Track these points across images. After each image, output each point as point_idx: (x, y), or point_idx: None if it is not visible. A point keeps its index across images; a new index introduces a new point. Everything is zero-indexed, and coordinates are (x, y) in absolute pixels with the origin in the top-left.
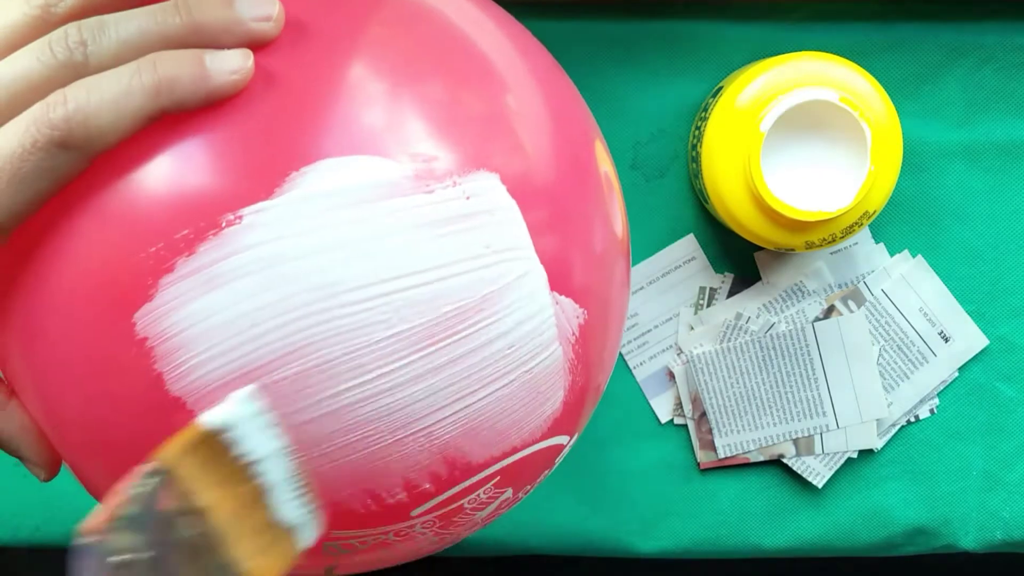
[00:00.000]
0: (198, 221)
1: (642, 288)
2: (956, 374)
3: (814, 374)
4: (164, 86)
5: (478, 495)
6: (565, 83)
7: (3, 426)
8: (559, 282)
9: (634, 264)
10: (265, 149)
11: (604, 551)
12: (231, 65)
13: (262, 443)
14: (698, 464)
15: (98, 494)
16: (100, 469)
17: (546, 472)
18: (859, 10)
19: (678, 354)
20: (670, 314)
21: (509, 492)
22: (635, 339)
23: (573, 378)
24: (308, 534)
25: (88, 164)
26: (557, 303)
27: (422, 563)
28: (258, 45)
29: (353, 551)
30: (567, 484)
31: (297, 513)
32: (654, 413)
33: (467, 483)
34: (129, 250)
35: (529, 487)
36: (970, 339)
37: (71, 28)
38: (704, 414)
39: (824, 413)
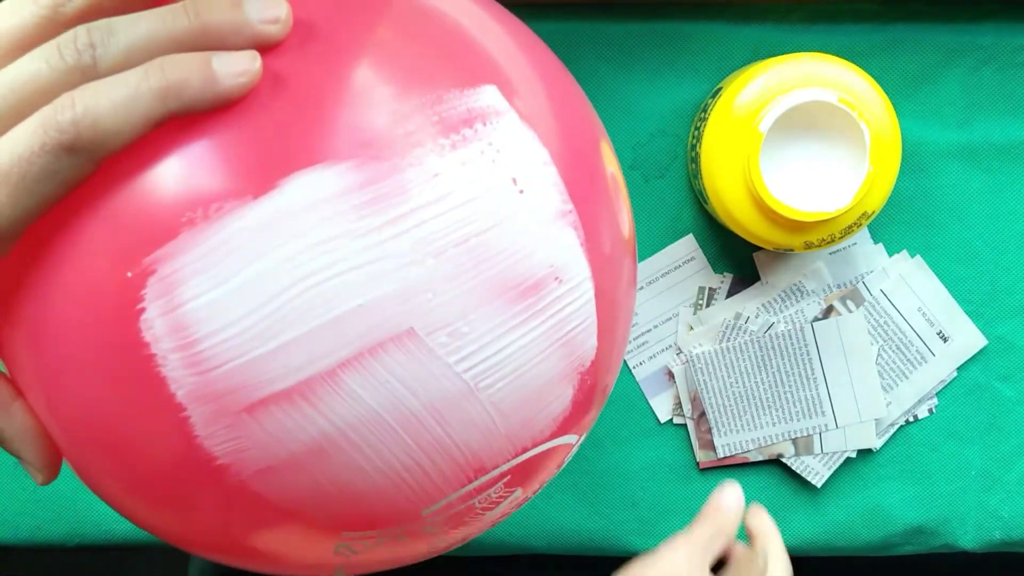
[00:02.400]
0: (190, 215)
1: (641, 288)
2: (955, 374)
3: (813, 374)
4: (172, 90)
5: (488, 495)
6: (571, 84)
7: (5, 425)
8: None
9: None
10: (264, 152)
11: (604, 550)
12: (238, 67)
13: None
14: (697, 464)
15: (101, 493)
16: (104, 469)
17: (556, 471)
18: (858, 11)
19: (677, 354)
20: (669, 314)
21: (519, 492)
22: (635, 339)
23: (582, 377)
24: None
25: (96, 167)
26: None
27: (422, 562)
28: (266, 47)
29: (364, 551)
30: (567, 484)
31: None
32: (653, 413)
33: (479, 482)
34: (129, 253)
35: (538, 486)
36: (969, 339)
37: (80, 31)
38: (703, 414)
39: (823, 413)
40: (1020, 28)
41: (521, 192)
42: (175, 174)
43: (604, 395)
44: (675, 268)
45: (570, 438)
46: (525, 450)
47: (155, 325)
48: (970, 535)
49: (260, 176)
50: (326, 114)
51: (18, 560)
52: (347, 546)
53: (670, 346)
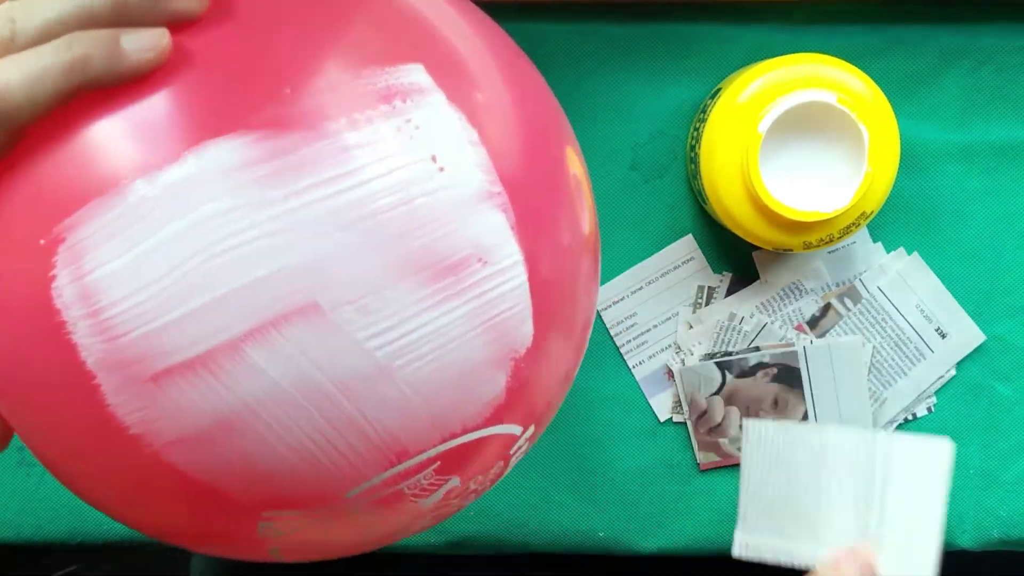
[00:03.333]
0: (95, 190)
1: (641, 288)
2: (953, 371)
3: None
4: (78, 65)
5: (417, 480)
6: (536, 85)
7: None
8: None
9: (632, 264)
10: (172, 123)
11: (604, 549)
12: (146, 44)
13: None
14: (698, 464)
15: (44, 463)
16: (39, 439)
17: (500, 464)
18: (857, 12)
19: (676, 352)
20: (669, 313)
21: (456, 480)
22: (634, 338)
23: (516, 364)
24: None
25: (12, 138)
26: None
27: (422, 560)
28: (183, 23)
29: (291, 532)
30: (567, 483)
31: None
32: (653, 412)
33: (403, 466)
34: (42, 222)
35: (482, 478)
36: (967, 335)
37: (3, 7)
38: (702, 415)
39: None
40: (1019, 29)
41: (441, 170)
42: (86, 145)
43: (551, 389)
44: (674, 268)
45: (510, 428)
46: (454, 436)
47: (65, 292)
48: (968, 534)
49: (167, 146)
50: (235, 86)
51: (20, 559)
52: (270, 526)
53: (670, 345)
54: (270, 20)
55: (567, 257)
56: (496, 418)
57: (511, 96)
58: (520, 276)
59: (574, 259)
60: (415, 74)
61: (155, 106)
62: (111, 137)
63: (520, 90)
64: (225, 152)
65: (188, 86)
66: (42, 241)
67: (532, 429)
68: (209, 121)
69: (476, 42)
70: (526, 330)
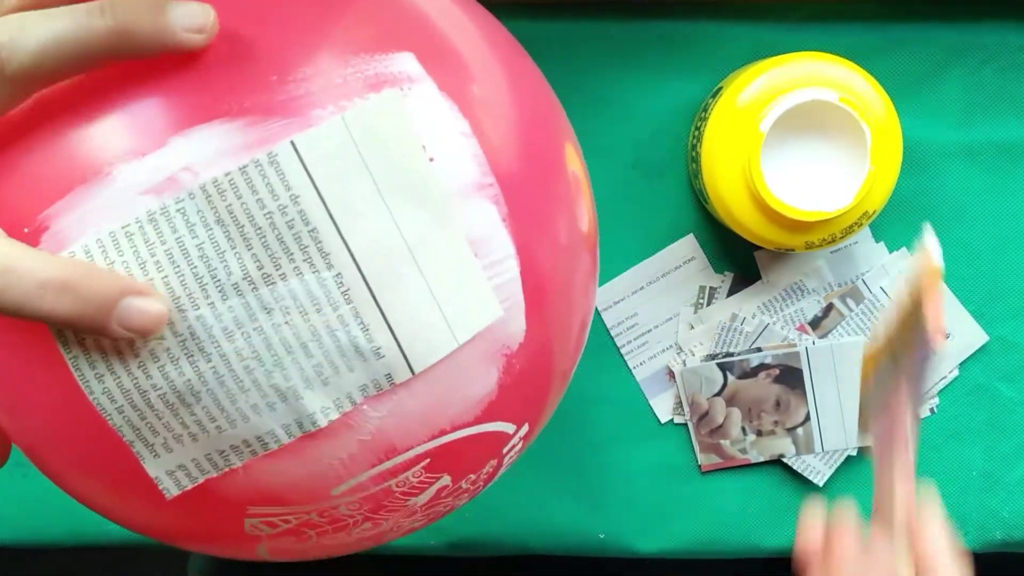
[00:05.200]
0: (79, 177)
1: (642, 288)
2: (956, 372)
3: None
4: (114, 36)
5: (406, 478)
6: (538, 82)
7: None
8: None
9: (633, 264)
10: (159, 109)
11: (604, 551)
12: (197, 20)
13: None
14: (699, 466)
15: (51, 476)
16: (45, 453)
17: (493, 462)
18: (859, 10)
19: (678, 353)
20: (670, 314)
21: (447, 479)
22: (635, 339)
23: (508, 360)
24: None
25: (13, 98)
26: None
27: (421, 562)
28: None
29: (277, 530)
30: (567, 484)
31: None
32: (654, 413)
33: (391, 463)
34: (27, 210)
35: (475, 477)
36: (969, 335)
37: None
38: (703, 416)
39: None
40: (1021, 28)
41: (431, 160)
42: (70, 129)
43: (546, 387)
44: (676, 268)
45: (503, 426)
46: (444, 432)
47: None
48: (971, 535)
49: (153, 132)
50: (222, 72)
51: (20, 559)
52: (257, 523)
53: (670, 346)
54: (258, 8)
55: (564, 254)
56: (488, 415)
57: (506, 89)
58: (512, 270)
59: (571, 257)
60: (405, 62)
61: (141, 91)
62: (95, 122)
63: (516, 84)
64: (212, 137)
65: (175, 72)
66: (26, 230)
67: (526, 428)
68: (196, 107)
69: (472, 34)
70: (518, 325)
